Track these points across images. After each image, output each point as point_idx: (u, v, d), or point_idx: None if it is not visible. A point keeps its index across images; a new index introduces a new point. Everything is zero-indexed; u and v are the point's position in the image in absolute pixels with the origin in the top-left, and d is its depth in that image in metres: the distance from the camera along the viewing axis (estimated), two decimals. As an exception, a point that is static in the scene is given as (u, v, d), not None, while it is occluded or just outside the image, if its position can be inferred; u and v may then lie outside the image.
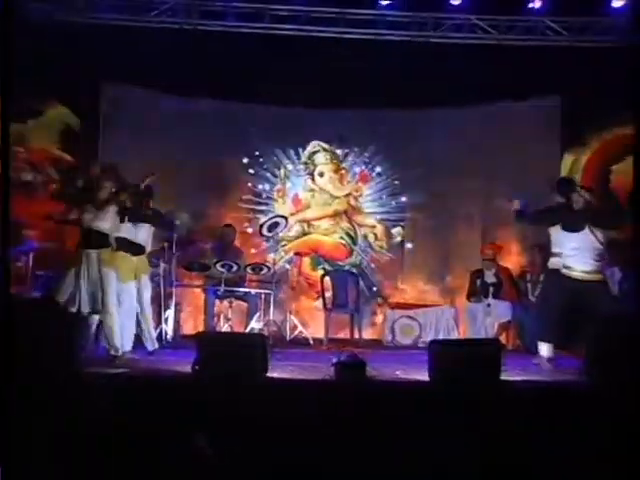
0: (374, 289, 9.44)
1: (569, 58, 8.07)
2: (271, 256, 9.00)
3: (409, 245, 9.65)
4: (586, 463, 3.54)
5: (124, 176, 6.38)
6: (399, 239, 9.69)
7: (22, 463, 3.10)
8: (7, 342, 3.59)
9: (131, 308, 6.33)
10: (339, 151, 9.80)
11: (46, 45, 7.54)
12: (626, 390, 4.40)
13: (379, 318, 8.92)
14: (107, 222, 6.11)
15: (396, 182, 9.65)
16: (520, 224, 6.72)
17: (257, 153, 9.59)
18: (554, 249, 6.42)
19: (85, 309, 6.02)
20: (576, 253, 6.15)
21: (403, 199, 9.68)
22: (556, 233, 6.39)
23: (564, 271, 6.20)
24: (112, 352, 6.05)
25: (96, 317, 6.21)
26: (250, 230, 9.43)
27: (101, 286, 6.00)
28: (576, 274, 6.15)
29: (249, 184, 9.63)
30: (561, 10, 7.94)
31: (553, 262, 6.40)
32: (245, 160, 9.57)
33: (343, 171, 9.81)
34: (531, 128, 8.84)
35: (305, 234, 9.75)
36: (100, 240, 6.09)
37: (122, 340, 6.10)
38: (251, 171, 9.63)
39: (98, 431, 3.54)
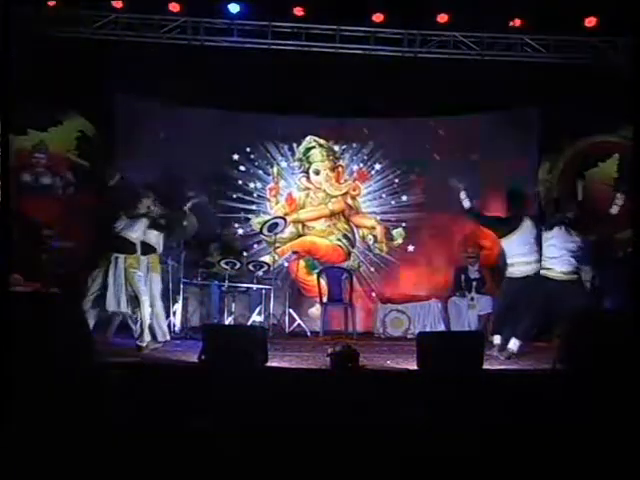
0: (368, 287, 9.13)
1: (547, 73, 8.11)
2: (264, 258, 8.58)
3: (410, 247, 9.14)
4: (564, 443, 3.55)
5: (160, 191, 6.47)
6: (400, 241, 9.15)
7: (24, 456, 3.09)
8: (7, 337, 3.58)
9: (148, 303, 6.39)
10: (336, 147, 9.14)
11: (65, 60, 7.58)
12: (599, 377, 4.44)
13: (371, 312, 8.87)
14: (137, 232, 6.24)
15: (396, 180, 9.13)
16: (472, 220, 6.73)
17: (248, 149, 9.00)
18: (508, 260, 6.42)
19: (110, 307, 6.08)
20: (553, 256, 6.14)
21: (404, 198, 9.15)
22: (508, 245, 6.37)
23: (543, 272, 6.19)
24: (138, 343, 6.10)
25: (120, 313, 6.27)
26: (241, 231, 8.99)
27: (129, 286, 6.07)
28: (555, 275, 6.13)
29: (239, 182, 9.02)
30: (539, 29, 7.99)
31: (509, 271, 6.42)
32: (235, 157, 8.98)
33: (340, 169, 9.12)
34: (512, 136, 8.85)
35: (300, 236, 9.09)
36: (129, 247, 6.23)
37: (147, 332, 6.17)
38: (242, 168, 8.99)
39: (107, 422, 3.54)
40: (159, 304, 6.69)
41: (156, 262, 6.66)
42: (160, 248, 6.76)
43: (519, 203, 6.50)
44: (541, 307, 6.18)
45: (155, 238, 6.57)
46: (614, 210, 6.22)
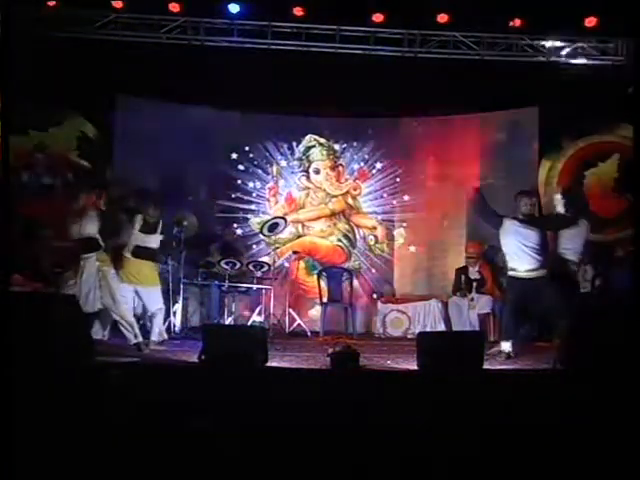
0: (369, 287, 9.12)
1: (546, 73, 8.12)
2: (264, 258, 8.56)
3: (411, 248, 9.13)
4: (564, 439, 3.55)
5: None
6: (401, 241, 9.13)
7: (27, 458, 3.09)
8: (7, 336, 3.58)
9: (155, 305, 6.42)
10: (336, 146, 9.06)
11: (65, 60, 7.58)
12: (599, 377, 4.45)
13: (371, 312, 8.87)
14: (91, 226, 6.18)
15: (397, 180, 9.07)
16: (474, 206, 6.60)
17: (247, 148, 8.93)
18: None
19: (90, 309, 6.07)
20: (516, 253, 6.13)
21: (405, 198, 9.10)
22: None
23: (510, 273, 6.20)
24: (134, 341, 6.09)
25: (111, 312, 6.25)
26: (240, 231, 8.93)
27: (101, 284, 6.06)
28: (521, 274, 6.13)
29: (238, 181, 8.95)
30: (539, 29, 8.00)
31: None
32: (234, 156, 8.92)
33: (340, 168, 9.06)
34: (512, 136, 8.85)
35: (299, 236, 9.04)
36: (90, 244, 6.17)
37: (136, 330, 6.15)
38: (241, 167, 8.92)
39: (107, 421, 3.54)
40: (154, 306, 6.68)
41: (107, 259, 6.60)
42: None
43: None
44: (516, 308, 6.20)
45: (155, 241, 6.55)
46: (560, 209, 6.18)
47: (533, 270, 6.09)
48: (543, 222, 6.36)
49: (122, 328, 6.14)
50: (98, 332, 6.39)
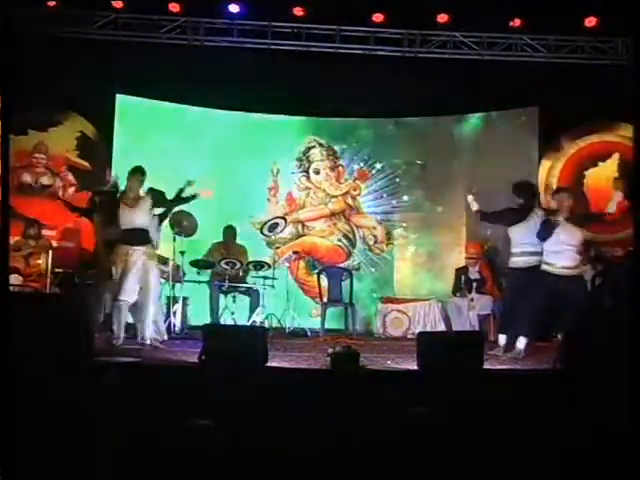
0: (369, 287, 9.12)
1: (546, 72, 8.13)
2: (265, 258, 8.46)
3: (411, 248, 9.16)
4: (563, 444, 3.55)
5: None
6: (401, 241, 9.15)
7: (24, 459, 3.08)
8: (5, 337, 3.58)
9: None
10: (336, 147, 9.10)
11: (65, 60, 7.60)
12: (599, 377, 4.44)
13: (371, 312, 8.87)
14: (144, 217, 6.03)
15: (397, 180, 9.10)
16: (484, 223, 6.63)
17: (247, 148, 8.88)
18: (513, 249, 6.34)
19: (127, 297, 5.96)
20: (555, 250, 6.07)
21: (405, 198, 9.13)
22: (516, 233, 6.29)
23: (544, 267, 6.12)
24: (140, 341, 6.07)
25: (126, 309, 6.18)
26: (239, 230, 8.74)
27: (142, 279, 5.96)
28: (556, 270, 6.08)
29: (238, 181, 8.89)
30: (539, 29, 8.00)
31: (513, 261, 6.32)
32: (234, 156, 8.87)
33: (340, 168, 9.09)
34: (511, 136, 8.84)
35: (300, 236, 9.07)
36: (142, 236, 6.01)
37: (148, 330, 6.13)
38: (241, 167, 8.88)
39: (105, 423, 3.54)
40: (158, 303, 6.66)
41: (153, 254, 6.51)
42: (157, 236, 6.60)
43: (529, 193, 6.42)
44: (544, 303, 6.11)
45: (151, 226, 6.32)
46: (612, 208, 6.14)
47: (570, 268, 6.04)
48: (585, 219, 6.29)
49: (143, 326, 6.09)
50: (99, 332, 6.36)
